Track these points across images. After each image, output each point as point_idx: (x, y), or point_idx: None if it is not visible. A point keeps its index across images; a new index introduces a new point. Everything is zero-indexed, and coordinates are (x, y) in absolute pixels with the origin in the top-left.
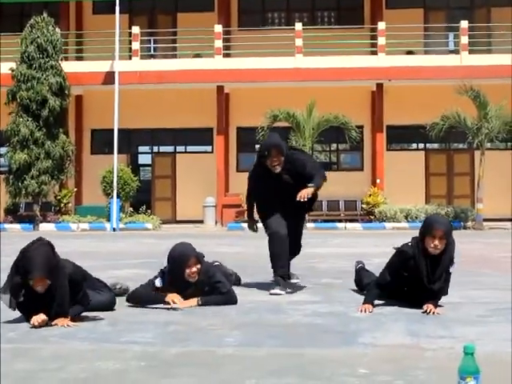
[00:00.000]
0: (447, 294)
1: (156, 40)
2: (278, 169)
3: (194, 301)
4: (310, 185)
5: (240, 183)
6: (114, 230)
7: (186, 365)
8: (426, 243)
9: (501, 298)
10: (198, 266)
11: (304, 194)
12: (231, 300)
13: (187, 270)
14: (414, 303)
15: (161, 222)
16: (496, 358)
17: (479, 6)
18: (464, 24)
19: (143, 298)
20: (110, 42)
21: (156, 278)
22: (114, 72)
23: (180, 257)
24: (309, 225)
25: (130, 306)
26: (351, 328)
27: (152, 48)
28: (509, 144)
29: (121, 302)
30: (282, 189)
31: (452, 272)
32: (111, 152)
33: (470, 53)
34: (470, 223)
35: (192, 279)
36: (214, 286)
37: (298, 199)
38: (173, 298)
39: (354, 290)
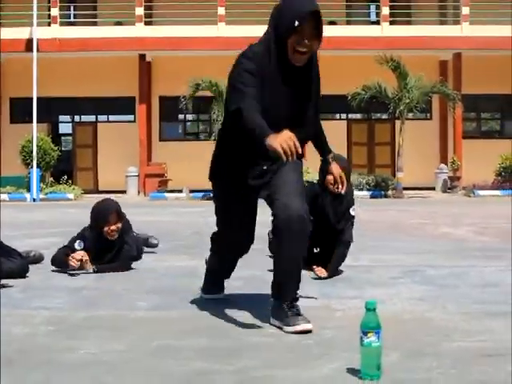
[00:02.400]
0: (352, 239)
1: (76, 7)
2: (303, 60)
3: (89, 265)
4: (330, 155)
5: (163, 152)
6: (35, 200)
7: (94, 328)
8: (326, 182)
9: (410, 262)
10: (119, 225)
11: (343, 181)
12: (126, 267)
13: (106, 228)
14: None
15: (82, 192)
16: (404, 316)
17: None
18: None
19: (56, 261)
20: (28, 8)
21: (75, 240)
22: (32, 39)
23: (100, 212)
24: None
25: (44, 273)
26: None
27: (72, 15)
28: (428, 114)
29: (34, 269)
30: (292, 107)
31: (354, 216)
32: (31, 121)
33: (390, 24)
34: (390, 192)
35: (111, 237)
36: (121, 246)
37: (338, 190)
38: (75, 257)
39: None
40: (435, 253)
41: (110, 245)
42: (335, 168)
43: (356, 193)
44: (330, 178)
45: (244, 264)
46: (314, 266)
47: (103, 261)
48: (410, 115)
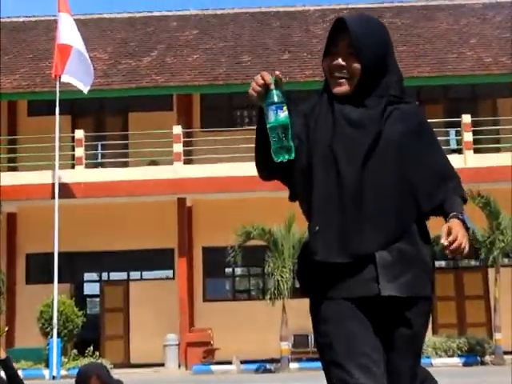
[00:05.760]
0: None
1: (104, 145)
2: (344, 89)
3: None
4: (452, 213)
5: (208, 316)
6: (54, 378)
7: None
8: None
9: None
10: None
11: (461, 243)
12: None
13: None
14: None
15: (111, 367)
16: None
17: (483, 97)
18: (466, 118)
19: None
20: (49, 148)
21: None
22: (53, 184)
23: (79, 378)
24: (291, 365)
25: None
26: None
27: (99, 155)
28: None
29: None
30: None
31: None
32: (51, 281)
33: (475, 152)
34: (488, 357)
35: None
36: None
37: (445, 242)
38: None
39: None
40: None
41: None
42: (457, 226)
43: (445, 360)
44: (444, 227)
45: None
46: None
47: None
48: (506, 261)
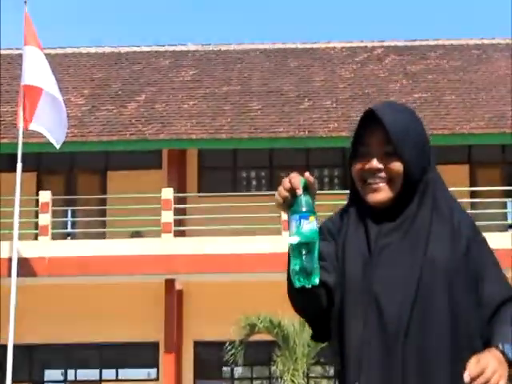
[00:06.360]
0: None
1: (75, 211)
2: (382, 196)
3: None
4: (505, 346)
5: None
6: None
7: None
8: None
9: None
10: None
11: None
12: None
13: None
14: None
15: None
16: None
17: None
18: None
19: None
20: (7, 213)
21: None
22: (10, 258)
23: None
24: None
25: None
26: None
27: (69, 223)
28: None
29: None
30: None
31: None
32: (2, 381)
33: None
34: None
35: None
36: None
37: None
38: None
39: None
40: None
41: None
42: (489, 357)
43: None
44: (473, 359)
45: None
46: None
47: None
48: None
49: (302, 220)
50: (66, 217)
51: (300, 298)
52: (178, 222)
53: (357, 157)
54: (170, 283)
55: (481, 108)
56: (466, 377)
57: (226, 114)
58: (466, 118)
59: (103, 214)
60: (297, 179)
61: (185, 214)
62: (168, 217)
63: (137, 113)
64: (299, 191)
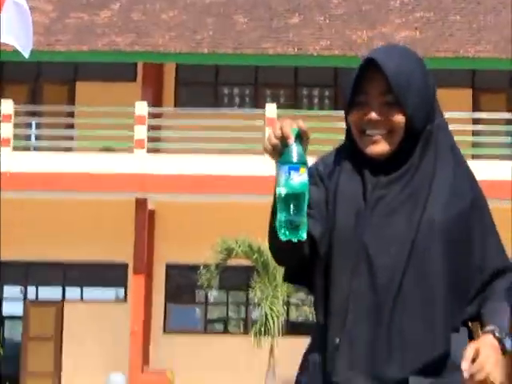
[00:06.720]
0: None
1: (41, 123)
2: (381, 148)
3: None
4: (489, 327)
5: (168, 352)
6: None
7: None
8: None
9: None
10: None
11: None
12: None
13: None
14: None
15: None
16: None
17: None
18: None
19: None
20: None
21: None
22: None
23: None
24: None
25: None
26: None
27: (33, 135)
28: None
29: None
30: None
31: None
32: None
33: None
34: None
35: None
36: None
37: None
38: None
39: None
40: None
41: None
42: (487, 348)
43: None
44: (469, 348)
45: None
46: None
47: None
48: None
49: (291, 171)
50: (30, 128)
51: (282, 251)
52: (152, 139)
53: (354, 105)
54: (141, 202)
55: (488, 31)
56: (466, 371)
57: (208, 26)
58: (471, 40)
59: (71, 126)
60: (288, 127)
61: (159, 130)
62: (141, 132)
63: (110, 21)
64: (291, 140)
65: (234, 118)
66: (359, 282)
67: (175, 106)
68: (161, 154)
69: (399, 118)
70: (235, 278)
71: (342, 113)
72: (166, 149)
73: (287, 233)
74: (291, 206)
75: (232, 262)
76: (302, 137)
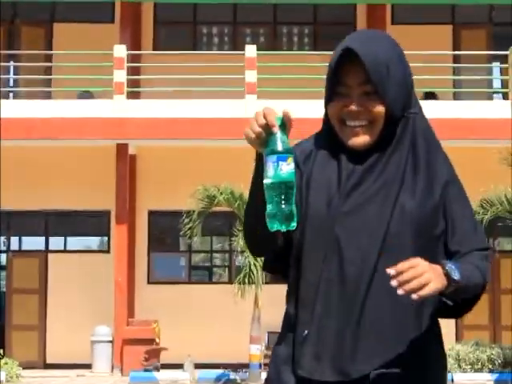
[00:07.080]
0: None
1: (17, 68)
2: (363, 140)
3: None
4: (449, 265)
5: (153, 303)
6: None
7: None
8: None
9: None
10: None
11: (417, 276)
12: None
13: None
14: None
15: (20, 369)
16: None
17: None
18: None
19: None
20: None
21: None
22: None
23: None
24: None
25: None
26: None
27: (10, 80)
28: None
29: None
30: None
31: None
32: None
33: None
34: None
35: None
36: None
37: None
38: None
39: None
40: None
41: None
42: (422, 261)
43: (470, 376)
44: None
45: None
46: None
47: None
48: None
49: (280, 162)
50: (7, 74)
51: (259, 241)
52: (131, 83)
53: (333, 95)
54: (122, 148)
55: None
56: (391, 269)
57: None
58: None
59: (48, 71)
60: (273, 115)
61: (139, 74)
62: (120, 76)
63: None
64: (275, 129)
65: (213, 58)
66: (329, 274)
67: (154, 47)
68: (140, 99)
69: (379, 109)
70: (219, 224)
71: (322, 53)
72: (145, 93)
73: (276, 223)
74: (282, 195)
75: (215, 208)
76: (286, 125)
